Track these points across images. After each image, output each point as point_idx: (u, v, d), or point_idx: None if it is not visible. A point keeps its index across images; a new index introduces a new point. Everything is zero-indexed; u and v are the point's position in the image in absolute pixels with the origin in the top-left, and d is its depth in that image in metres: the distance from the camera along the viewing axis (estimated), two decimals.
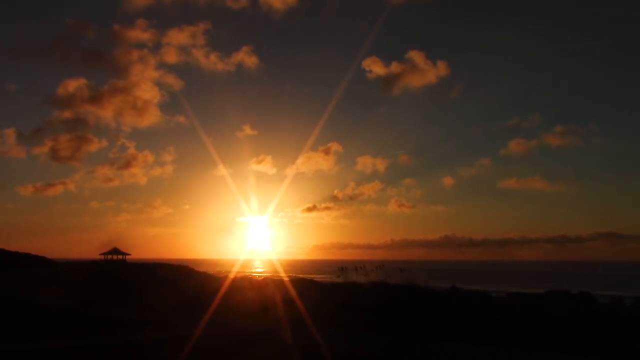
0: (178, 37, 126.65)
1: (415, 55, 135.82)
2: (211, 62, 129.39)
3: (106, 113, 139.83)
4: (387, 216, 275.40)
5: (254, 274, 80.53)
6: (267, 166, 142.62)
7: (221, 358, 14.78)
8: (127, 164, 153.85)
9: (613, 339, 18.06)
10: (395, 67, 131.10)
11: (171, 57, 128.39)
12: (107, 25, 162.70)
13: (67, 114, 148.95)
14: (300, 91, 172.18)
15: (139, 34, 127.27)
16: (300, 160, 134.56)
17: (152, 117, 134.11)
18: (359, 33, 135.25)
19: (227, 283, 34.97)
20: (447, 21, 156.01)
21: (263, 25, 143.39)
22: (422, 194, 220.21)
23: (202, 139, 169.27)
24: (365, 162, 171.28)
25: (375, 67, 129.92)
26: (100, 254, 69.68)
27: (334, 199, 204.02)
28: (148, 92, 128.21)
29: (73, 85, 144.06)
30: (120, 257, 69.92)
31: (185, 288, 34.14)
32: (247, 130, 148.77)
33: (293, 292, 28.54)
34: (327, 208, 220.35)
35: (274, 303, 26.05)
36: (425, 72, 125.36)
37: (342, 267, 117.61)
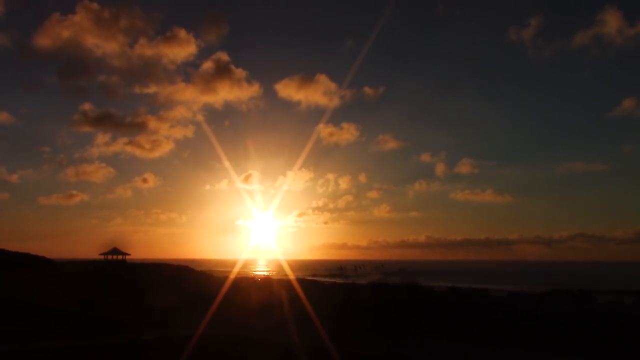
0: (182, 111, 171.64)
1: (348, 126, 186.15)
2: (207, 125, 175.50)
3: (127, 149, 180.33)
4: (371, 221, 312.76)
5: (256, 274, 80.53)
6: (254, 183, 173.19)
7: (223, 358, 14.76)
8: (143, 181, 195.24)
9: (613, 338, 18.05)
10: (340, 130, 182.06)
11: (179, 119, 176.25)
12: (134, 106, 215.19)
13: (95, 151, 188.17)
14: (270, 148, 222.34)
15: (151, 118, 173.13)
16: (287, 177, 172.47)
17: (163, 153, 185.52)
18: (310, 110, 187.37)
19: (228, 282, 34.95)
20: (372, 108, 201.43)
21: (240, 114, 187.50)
22: (395, 202, 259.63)
23: (204, 163, 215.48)
24: (334, 179, 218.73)
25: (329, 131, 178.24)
26: (100, 254, 69.61)
27: (322, 208, 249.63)
28: (163, 140, 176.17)
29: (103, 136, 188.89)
30: (120, 257, 69.85)
31: (186, 287, 34.14)
32: (239, 159, 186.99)
33: (296, 292, 28.55)
34: (317, 214, 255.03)
35: (279, 302, 26.07)
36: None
37: (341, 267, 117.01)
